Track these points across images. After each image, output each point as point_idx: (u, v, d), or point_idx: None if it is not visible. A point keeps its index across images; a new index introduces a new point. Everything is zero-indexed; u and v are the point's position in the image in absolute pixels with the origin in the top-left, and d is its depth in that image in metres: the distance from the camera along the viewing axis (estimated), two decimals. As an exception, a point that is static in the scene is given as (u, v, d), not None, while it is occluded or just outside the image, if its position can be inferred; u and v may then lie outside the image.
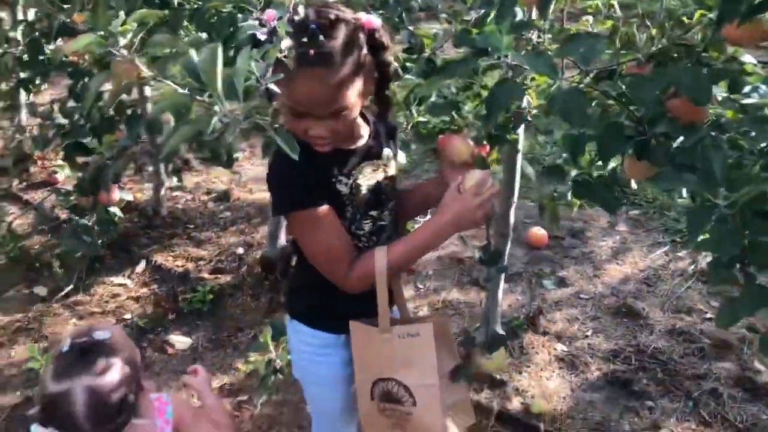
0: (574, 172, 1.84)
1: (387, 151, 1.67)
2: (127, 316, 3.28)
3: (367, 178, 1.59)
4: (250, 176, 4.71)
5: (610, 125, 1.61)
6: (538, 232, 3.76)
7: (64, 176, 4.54)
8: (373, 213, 1.62)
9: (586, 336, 3.06)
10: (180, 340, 3.11)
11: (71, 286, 3.46)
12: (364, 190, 1.58)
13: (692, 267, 3.52)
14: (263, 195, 4.43)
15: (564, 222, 4.02)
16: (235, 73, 1.20)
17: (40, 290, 3.50)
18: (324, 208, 1.50)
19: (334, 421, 1.80)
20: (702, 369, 2.82)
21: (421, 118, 2.14)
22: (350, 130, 1.55)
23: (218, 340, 3.10)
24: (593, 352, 2.95)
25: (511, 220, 2.62)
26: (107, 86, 3.29)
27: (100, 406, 1.32)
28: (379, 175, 1.62)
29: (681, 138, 1.41)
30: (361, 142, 1.59)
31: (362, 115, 1.61)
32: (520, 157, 2.54)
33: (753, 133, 1.44)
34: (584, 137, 1.71)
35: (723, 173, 1.29)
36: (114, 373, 1.35)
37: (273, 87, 1.23)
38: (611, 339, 3.03)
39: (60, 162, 4.73)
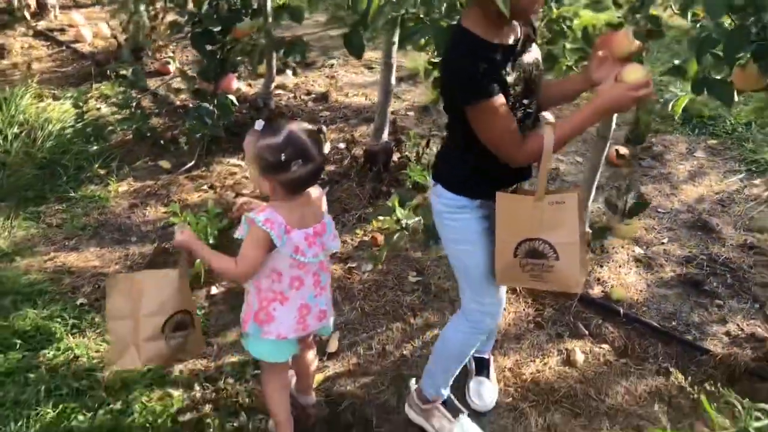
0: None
1: (536, 49, 1.94)
2: (245, 191, 3.65)
3: (524, 71, 1.87)
4: (345, 81, 5.01)
5: (737, 27, 1.86)
6: (621, 150, 4.00)
7: (175, 67, 4.89)
8: (525, 101, 1.90)
9: (662, 243, 3.34)
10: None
11: (193, 162, 3.84)
12: (522, 81, 1.86)
13: (766, 193, 3.74)
14: (359, 99, 4.74)
15: (644, 145, 4.25)
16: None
17: (164, 163, 3.90)
18: (500, 96, 1.78)
19: (478, 275, 2.09)
20: (769, 278, 3.10)
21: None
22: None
23: (327, 218, 3.47)
24: (668, 257, 3.24)
25: (613, 123, 2.89)
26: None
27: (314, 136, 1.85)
28: (533, 69, 1.90)
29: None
30: (515, 39, 1.87)
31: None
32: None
33: None
34: (710, 39, 1.96)
35: None
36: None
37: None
38: (685, 247, 3.31)
39: (170, 54, 5.09)
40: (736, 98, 2.12)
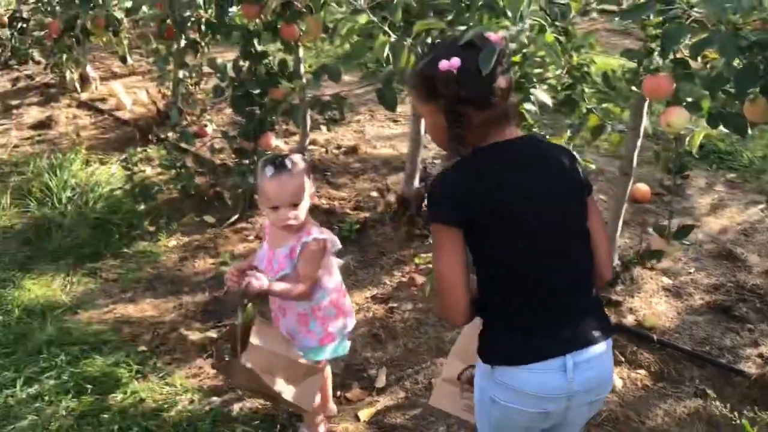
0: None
1: None
2: (287, 240, 3.86)
3: None
4: (372, 135, 5.26)
5: (748, 65, 2.05)
6: (642, 187, 4.17)
7: (212, 129, 5.17)
8: None
9: (689, 273, 3.48)
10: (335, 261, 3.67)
11: (237, 215, 4.07)
12: None
13: (787, 222, 3.88)
14: (387, 151, 4.98)
15: (666, 181, 4.41)
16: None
17: (209, 218, 4.12)
18: None
19: None
20: (796, 302, 3.22)
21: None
22: None
23: (365, 261, 3.65)
24: (696, 285, 3.38)
25: (634, 161, 3.07)
26: (270, 47, 3.92)
27: None
28: None
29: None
30: None
31: None
32: (645, 106, 2.99)
33: None
34: (721, 77, 2.16)
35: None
36: None
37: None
38: (712, 276, 3.45)
39: (208, 117, 5.39)
40: (750, 130, 2.31)
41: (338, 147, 5.03)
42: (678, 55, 2.33)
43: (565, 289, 1.62)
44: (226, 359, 2.30)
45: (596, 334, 1.63)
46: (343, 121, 5.52)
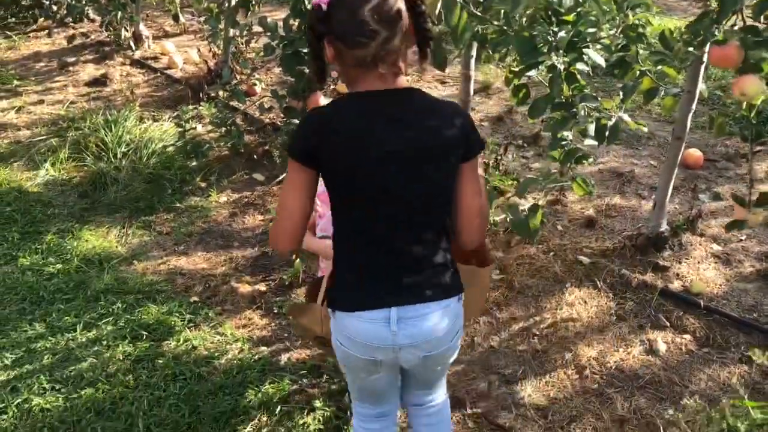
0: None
1: None
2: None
3: None
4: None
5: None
6: (695, 153, 4.09)
7: (261, 88, 5.23)
8: None
9: (740, 240, 3.42)
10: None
11: (285, 174, 4.13)
12: None
13: None
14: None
15: (719, 147, 4.32)
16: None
17: (258, 176, 4.20)
18: None
19: None
20: None
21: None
22: None
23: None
24: (746, 253, 3.32)
25: (688, 125, 3.02)
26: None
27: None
28: None
29: None
30: None
31: None
32: (702, 69, 2.92)
33: None
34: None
35: None
36: None
37: None
38: (764, 243, 3.38)
39: (257, 76, 5.44)
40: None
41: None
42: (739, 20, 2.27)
43: (403, 245, 1.64)
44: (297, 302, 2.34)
45: (429, 292, 1.67)
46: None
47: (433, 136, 1.58)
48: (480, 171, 1.73)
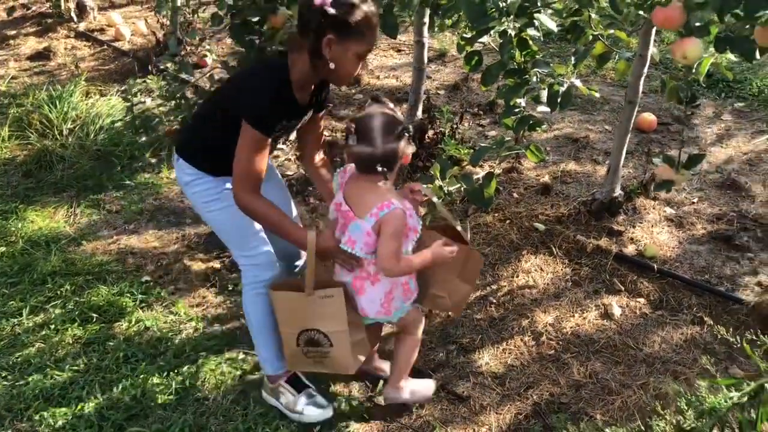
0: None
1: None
2: (289, 172, 3.85)
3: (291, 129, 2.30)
4: (375, 65, 5.17)
5: (757, -15, 1.97)
6: (648, 117, 4.11)
7: (212, 60, 5.09)
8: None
9: (693, 203, 3.46)
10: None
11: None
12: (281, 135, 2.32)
13: (794, 151, 3.83)
14: (390, 81, 4.90)
15: (674, 111, 4.35)
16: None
17: (211, 150, 4.10)
18: (268, 140, 2.14)
19: (235, 229, 2.25)
20: (799, 231, 3.21)
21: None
22: None
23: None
24: (699, 215, 3.36)
25: (640, 89, 3.01)
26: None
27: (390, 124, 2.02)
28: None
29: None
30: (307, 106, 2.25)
31: None
32: (653, 32, 2.91)
33: None
34: (732, 0, 2.08)
35: None
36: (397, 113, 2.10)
37: None
38: (715, 206, 3.43)
39: (207, 47, 5.29)
40: (758, 56, 2.24)
41: (340, 77, 4.95)
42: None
43: None
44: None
45: None
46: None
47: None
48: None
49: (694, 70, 2.89)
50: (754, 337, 2.07)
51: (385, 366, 2.51)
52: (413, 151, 2.16)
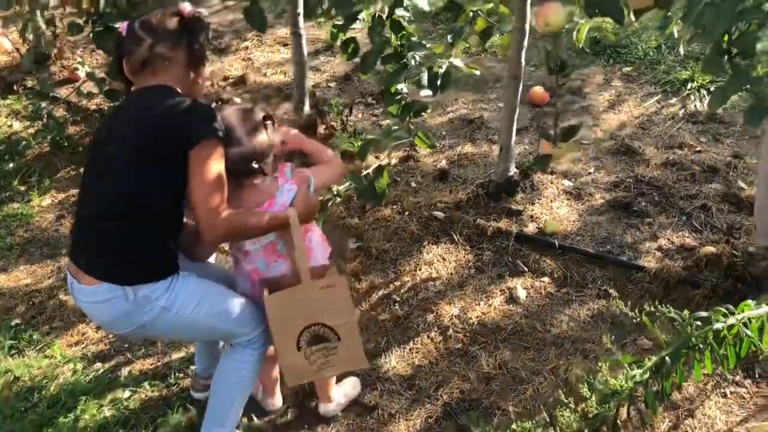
0: None
1: None
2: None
3: None
4: (261, 62, 4.94)
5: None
6: (539, 90, 4.05)
7: (85, 71, 4.74)
8: None
9: (589, 173, 3.42)
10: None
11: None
12: None
13: (682, 111, 3.85)
14: (278, 77, 4.68)
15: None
16: None
17: (87, 171, 3.79)
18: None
19: (232, 314, 1.97)
20: (693, 190, 3.20)
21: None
22: None
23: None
24: (596, 185, 3.32)
25: (522, 63, 2.92)
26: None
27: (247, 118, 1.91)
28: None
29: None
30: None
31: None
32: (529, 3, 2.82)
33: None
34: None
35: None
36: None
37: None
38: (612, 173, 3.39)
39: (79, 59, 4.93)
40: (633, 18, 2.17)
41: (225, 78, 4.69)
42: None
43: (88, 220, 1.89)
44: None
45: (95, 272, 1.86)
46: (228, 50, 5.18)
47: (142, 127, 1.83)
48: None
49: (574, 37, 2.83)
50: (653, 308, 2.01)
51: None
52: (281, 138, 2.00)
